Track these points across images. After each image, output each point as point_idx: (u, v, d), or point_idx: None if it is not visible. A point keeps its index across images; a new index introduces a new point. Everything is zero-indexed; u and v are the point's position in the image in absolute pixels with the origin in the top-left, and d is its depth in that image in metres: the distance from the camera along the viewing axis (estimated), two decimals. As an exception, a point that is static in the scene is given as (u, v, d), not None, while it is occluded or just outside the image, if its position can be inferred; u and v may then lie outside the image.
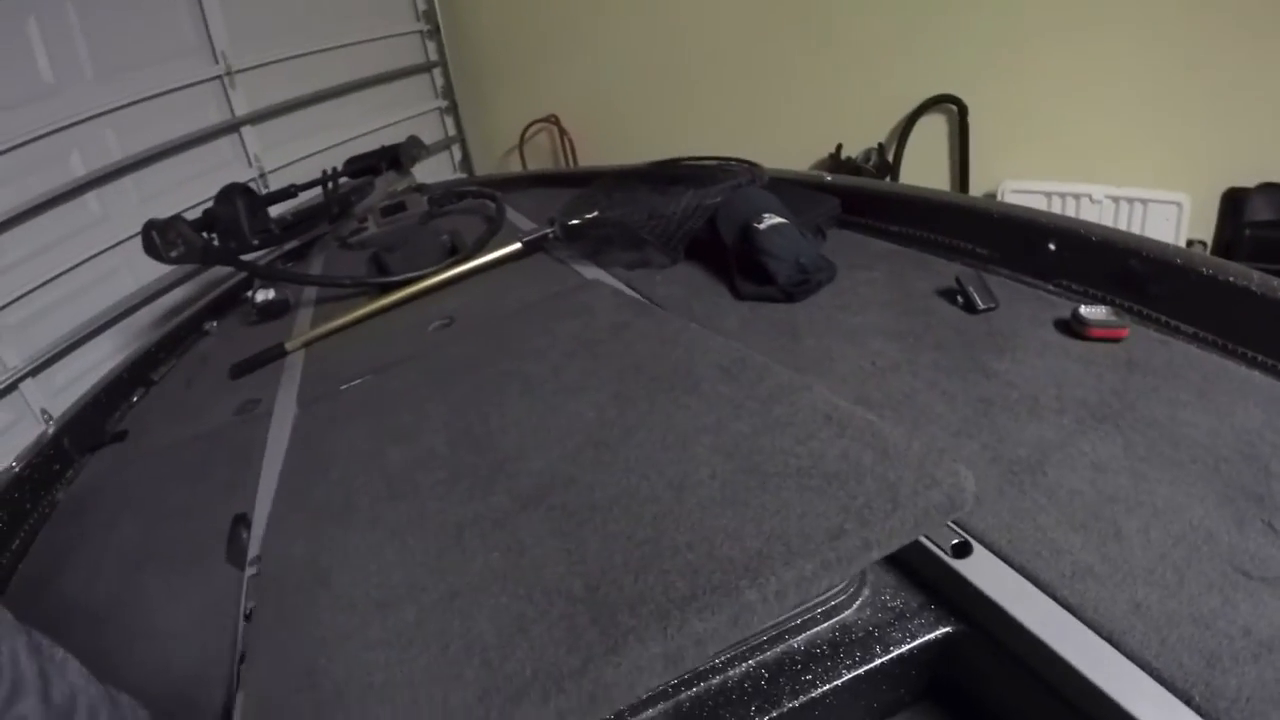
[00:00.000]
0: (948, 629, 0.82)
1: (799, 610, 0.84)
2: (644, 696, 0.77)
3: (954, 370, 1.15)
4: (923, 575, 0.87)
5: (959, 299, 1.32)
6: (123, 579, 1.17)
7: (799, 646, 0.83)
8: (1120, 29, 2.84)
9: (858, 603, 0.86)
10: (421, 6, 4.45)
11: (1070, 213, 2.89)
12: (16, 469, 1.47)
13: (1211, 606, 0.73)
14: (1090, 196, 3.07)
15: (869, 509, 0.77)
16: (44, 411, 2.79)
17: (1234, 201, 3.01)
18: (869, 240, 1.66)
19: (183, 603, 1.07)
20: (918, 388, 1.12)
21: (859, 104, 3.37)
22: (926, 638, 0.82)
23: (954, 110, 3.23)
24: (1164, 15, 2.77)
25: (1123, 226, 2.92)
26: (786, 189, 1.70)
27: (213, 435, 1.48)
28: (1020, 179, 3.19)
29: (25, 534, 1.39)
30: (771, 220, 1.49)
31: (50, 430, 1.61)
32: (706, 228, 1.63)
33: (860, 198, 1.73)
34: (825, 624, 0.84)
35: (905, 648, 0.82)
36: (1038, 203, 3.05)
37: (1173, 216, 3.01)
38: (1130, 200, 3.04)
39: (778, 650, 0.83)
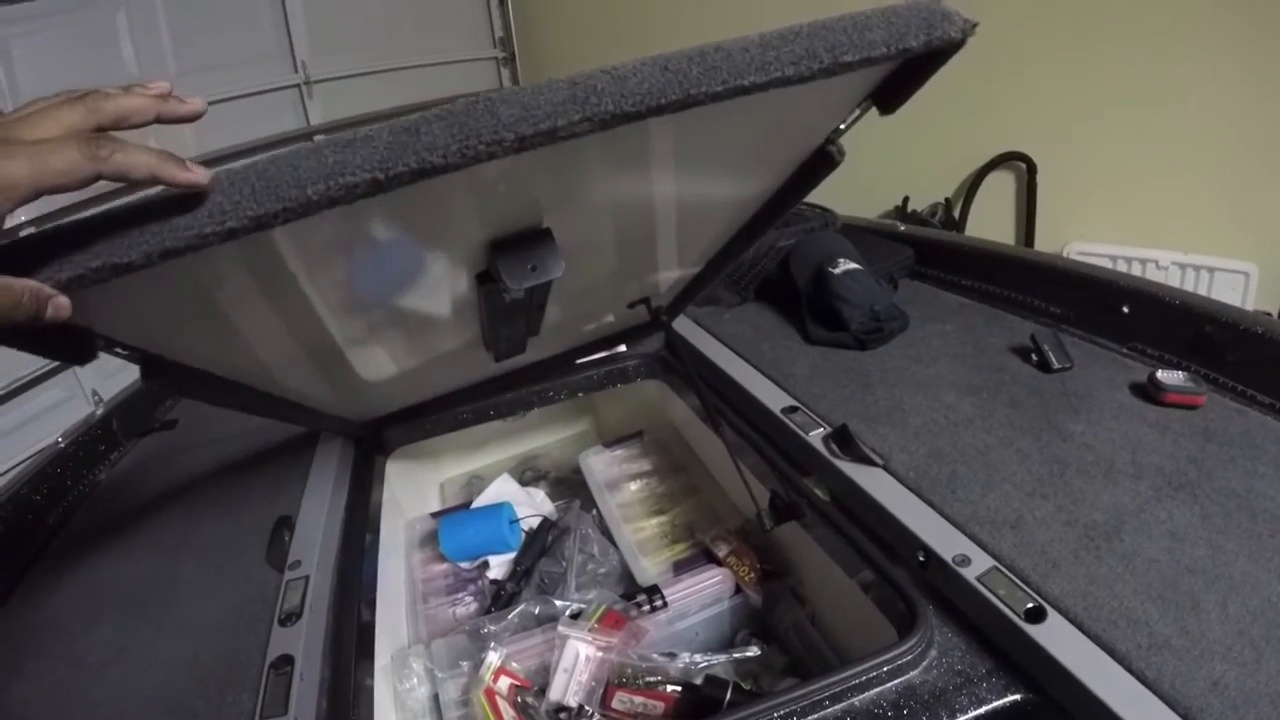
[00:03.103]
0: (1016, 696, 0.80)
1: (863, 667, 0.82)
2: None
3: (1028, 428, 1.14)
4: (993, 639, 0.85)
5: (1034, 357, 1.31)
6: (157, 567, 1.18)
7: (860, 705, 0.81)
8: (1192, 93, 2.80)
9: (924, 663, 0.84)
10: (498, 33, 4.49)
11: (1137, 278, 2.85)
12: (62, 444, 1.49)
13: (1290, 686, 0.71)
14: (1157, 262, 3.01)
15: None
16: (94, 393, 2.85)
17: (1301, 274, 2.93)
18: (941, 293, 1.65)
19: (216, 599, 1.08)
20: (991, 444, 1.11)
21: (928, 157, 3.36)
22: (994, 704, 0.80)
23: (1022, 168, 3.20)
24: (1236, 84, 2.73)
25: (1190, 295, 2.87)
26: (858, 236, 1.70)
27: (263, 434, 1.49)
28: (1086, 241, 3.15)
29: (64, 509, 1.40)
30: (846, 265, 1.49)
31: (99, 411, 1.63)
32: (778, 269, 1.63)
33: (933, 249, 1.73)
34: (890, 683, 0.82)
35: (972, 714, 0.79)
36: (1103, 266, 2.99)
37: (1240, 286, 2.94)
38: (1197, 268, 2.98)
39: (838, 708, 0.81)
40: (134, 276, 0.53)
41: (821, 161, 0.97)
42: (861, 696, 0.82)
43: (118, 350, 0.71)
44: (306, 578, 1.06)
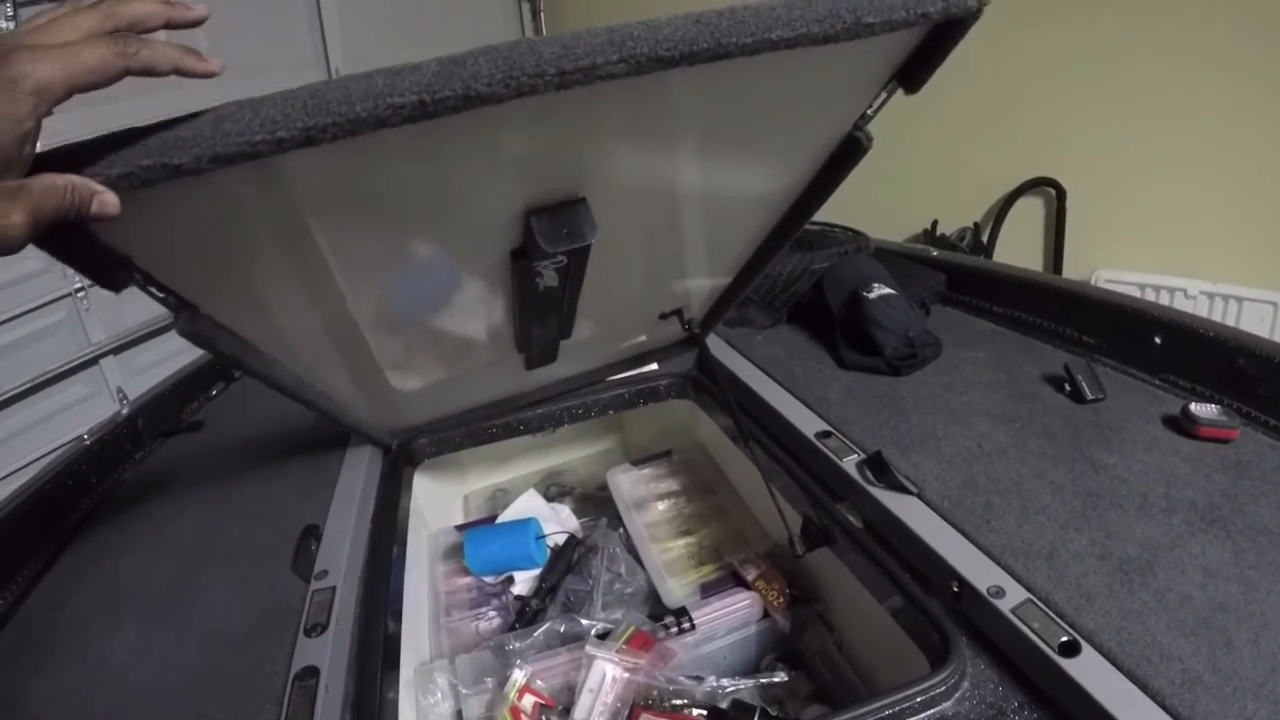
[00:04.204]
0: None
1: (896, 697, 0.83)
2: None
3: (1061, 460, 1.14)
4: (1026, 672, 0.85)
5: (1067, 387, 1.31)
6: (181, 572, 1.18)
7: (892, 736, 0.82)
8: (1222, 122, 2.79)
9: (956, 695, 0.84)
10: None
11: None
12: (88, 441, 1.48)
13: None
14: (1185, 291, 2.99)
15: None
16: (120, 390, 2.88)
17: (1327, 306, 2.90)
18: (972, 319, 1.66)
19: (241, 607, 1.07)
20: (1024, 475, 1.11)
21: (957, 181, 3.36)
22: None
23: (1052, 194, 3.19)
24: (1267, 113, 2.71)
25: (1218, 325, 2.84)
26: (891, 260, 1.70)
27: (290, 440, 1.49)
28: (1114, 269, 3.13)
29: (89, 507, 1.40)
30: (881, 290, 1.49)
31: (125, 410, 1.62)
32: (811, 292, 1.64)
33: (965, 275, 1.73)
34: (921, 714, 0.82)
35: None
36: (1131, 294, 2.97)
37: (1269, 316, 2.91)
38: (1225, 297, 2.95)
39: (869, 737, 0.82)
40: (179, 205, 0.56)
41: (850, 149, 0.99)
42: (894, 728, 0.83)
43: (153, 290, 0.72)
44: (333, 588, 1.07)
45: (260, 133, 0.55)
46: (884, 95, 0.91)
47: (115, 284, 0.66)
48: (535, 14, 4.47)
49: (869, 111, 0.94)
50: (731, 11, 0.65)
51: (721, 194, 1.05)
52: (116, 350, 2.89)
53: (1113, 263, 3.14)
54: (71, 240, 0.57)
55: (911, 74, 0.86)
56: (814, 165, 1.04)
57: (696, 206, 1.06)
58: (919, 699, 0.83)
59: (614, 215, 0.91)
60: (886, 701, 0.82)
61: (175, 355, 2.90)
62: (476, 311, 1.10)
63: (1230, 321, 2.92)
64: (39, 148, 0.50)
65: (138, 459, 1.58)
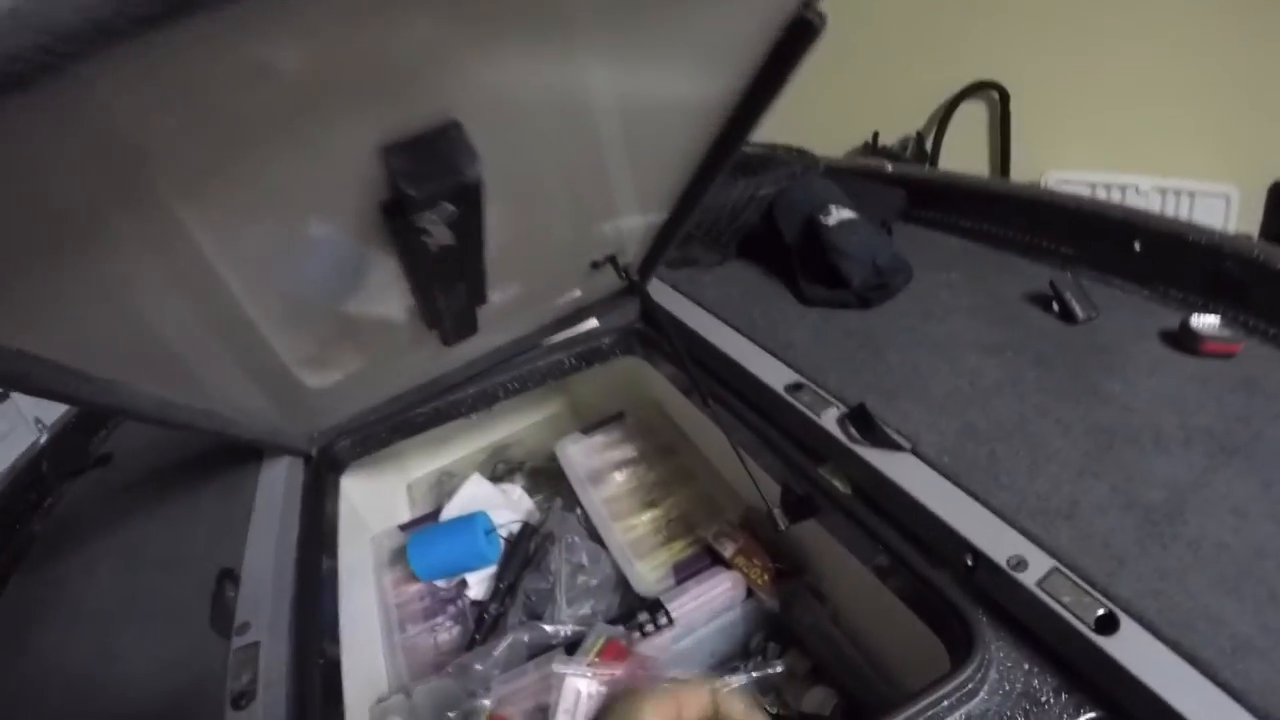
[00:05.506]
0: (1090, 715, 0.69)
1: (921, 705, 0.70)
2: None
3: (1063, 392, 1.02)
4: (1061, 653, 0.74)
5: (1055, 306, 1.19)
6: (99, 642, 1.02)
7: (921, 747, 0.70)
8: (1168, 16, 2.70)
9: (984, 690, 0.73)
10: None
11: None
12: None
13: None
14: (1136, 187, 2.93)
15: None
16: (38, 420, 2.68)
17: (1281, 195, 2.87)
18: (939, 237, 1.51)
19: (162, 679, 0.92)
20: (1027, 414, 0.99)
21: (896, 89, 3.22)
22: None
23: (995, 97, 3.08)
24: (1211, 3, 2.63)
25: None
26: (844, 179, 1.55)
27: (204, 462, 1.30)
28: (1064, 169, 3.04)
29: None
30: (841, 214, 1.34)
31: (43, 439, 1.45)
32: (761, 222, 1.48)
33: (926, 189, 1.59)
34: (949, 717, 0.71)
35: None
36: (1082, 194, 2.91)
37: (1221, 209, 2.87)
38: (1177, 192, 2.90)
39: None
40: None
41: (799, 34, 0.78)
42: (923, 734, 0.71)
43: None
44: (257, 644, 0.90)
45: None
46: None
47: None
48: None
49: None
50: None
51: (643, 104, 0.85)
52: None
53: (1061, 163, 3.06)
54: None
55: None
56: (755, 60, 0.82)
57: (613, 123, 0.85)
58: (945, 702, 0.71)
59: (506, 144, 0.73)
60: (911, 712, 0.70)
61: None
62: (375, 286, 0.90)
63: (1184, 216, 2.86)
64: None
65: (46, 507, 1.39)
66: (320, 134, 0.61)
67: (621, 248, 1.17)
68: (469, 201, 0.74)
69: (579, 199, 0.99)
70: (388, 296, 0.93)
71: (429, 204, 0.71)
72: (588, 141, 0.86)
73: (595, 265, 1.17)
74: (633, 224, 1.12)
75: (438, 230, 0.75)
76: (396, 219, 0.73)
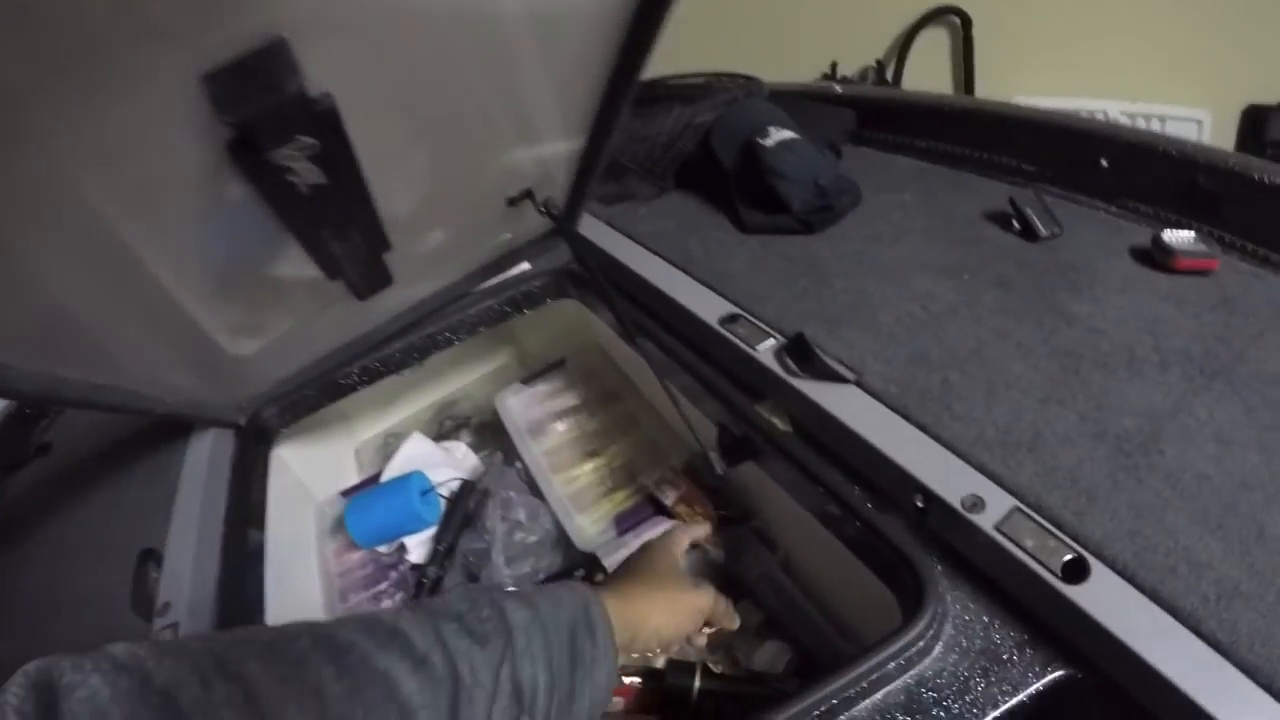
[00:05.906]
0: (1057, 673, 0.62)
1: (863, 669, 0.62)
2: None
3: (1025, 314, 0.93)
4: (1024, 604, 0.66)
5: (1015, 224, 1.10)
6: (31, 637, 0.96)
7: (862, 716, 0.62)
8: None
9: (938, 647, 0.64)
10: None
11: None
12: None
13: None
14: (1105, 113, 2.85)
15: None
16: None
17: (1255, 119, 2.83)
18: (892, 158, 1.42)
19: None
20: (985, 338, 0.90)
21: (854, 17, 3.09)
22: (1030, 689, 0.62)
23: (957, 23, 2.98)
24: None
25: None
26: (790, 103, 1.44)
27: (136, 443, 1.22)
28: (1030, 95, 2.93)
29: None
30: (780, 135, 1.24)
31: None
32: (699, 150, 1.37)
33: (877, 109, 1.49)
34: (898, 680, 0.63)
35: (1003, 706, 0.61)
36: (1046, 111, 2.85)
37: (1193, 133, 2.82)
38: (1148, 117, 2.84)
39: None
40: None
41: None
42: (862, 705, 0.63)
43: None
44: (176, 625, 0.83)
45: None
46: None
47: None
48: None
49: None
50: None
51: (530, 5, 0.72)
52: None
53: (1027, 89, 2.96)
54: None
55: None
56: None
57: (493, 30, 0.72)
58: (892, 664, 0.63)
59: (362, 60, 0.62)
60: (853, 676, 0.62)
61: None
62: (267, 240, 0.78)
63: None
64: None
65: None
66: (140, 64, 0.51)
67: (540, 183, 1.06)
68: (328, 131, 0.63)
69: (472, 126, 0.86)
70: (285, 251, 0.82)
71: (277, 137, 0.61)
72: (467, 56, 0.73)
73: (512, 202, 1.05)
74: (545, 154, 1.00)
75: (302, 168, 0.65)
76: (248, 158, 0.62)
